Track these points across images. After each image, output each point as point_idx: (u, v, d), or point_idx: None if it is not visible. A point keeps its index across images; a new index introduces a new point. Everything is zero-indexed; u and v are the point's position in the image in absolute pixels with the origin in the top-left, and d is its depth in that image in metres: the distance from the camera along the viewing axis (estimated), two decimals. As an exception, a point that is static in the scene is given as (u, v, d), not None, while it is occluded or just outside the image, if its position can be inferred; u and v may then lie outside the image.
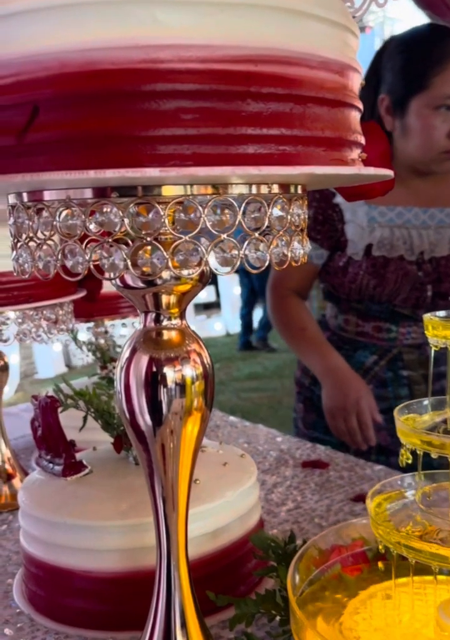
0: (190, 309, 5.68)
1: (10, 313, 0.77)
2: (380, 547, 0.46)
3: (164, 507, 0.45)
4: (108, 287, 1.08)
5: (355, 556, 0.54)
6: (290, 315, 1.25)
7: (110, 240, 0.34)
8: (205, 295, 5.89)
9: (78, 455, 0.69)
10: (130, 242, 0.35)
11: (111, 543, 0.59)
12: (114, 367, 0.91)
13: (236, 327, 5.80)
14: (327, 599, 0.50)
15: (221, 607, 0.57)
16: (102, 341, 1.14)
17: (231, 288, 5.83)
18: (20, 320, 0.77)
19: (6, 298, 0.74)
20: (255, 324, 5.30)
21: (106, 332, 1.17)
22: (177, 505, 0.45)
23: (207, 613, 0.59)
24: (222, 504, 0.62)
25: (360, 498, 0.82)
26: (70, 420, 0.76)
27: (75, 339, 1.01)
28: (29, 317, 0.78)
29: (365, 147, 0.42)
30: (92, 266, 0.35)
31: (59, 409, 0.70)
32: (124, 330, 1.19)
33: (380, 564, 0.50)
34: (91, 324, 1.17)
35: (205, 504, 0.61)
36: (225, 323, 5.85)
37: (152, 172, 0.30)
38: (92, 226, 0.34)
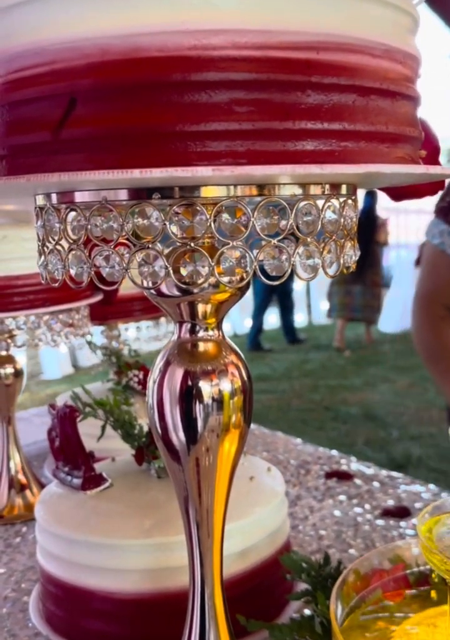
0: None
1: (25, 317, 0.74)
2: (433, 576, 0.43)
3: (198, 532, 0.42)
4: (122, 290, 1.06)
5: (396, 580, 0.50)
6: (446, 343, 1.05)
7: (150, 245, 0.31)
8: (212, 295, 5.85)
9: (97, 467, 0.66)
10: (163, 248, 0.32)
11: (134, 563, 0.56)
12: (134, 375, 0.88)
13: (243, 328, 5.77)
14: (369, 628, 0.46)
15: (251, 631, 0.54)
16: (115, 344, 1.11)
17: (238, 288, 5.79)
18: (35, 325, 0.74)
19: (21, 302, 0.71)
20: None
21: (119, 335, 1.14)
22: (212, 530, 0.42)
23: (236, 636, 0.56)
24: (251, 521, 0.59)
25: (389, 513, 0.79)
26: (87, 427, 0.73)
27: (89, 343, 0.98)
28: (44, 322, 0.75)
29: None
30: (129, 274, 0.32)
31: (78, 419, 0.67)
32: (136, 333, 1.17)
33: (433, 593, 0.47)
34: (104, 328, 1.14)
35: (233, 521, 0.58)
36: (232, 324, 5.82)
37: (203, 171, 0.27)
38: (130, 231, 0.31)
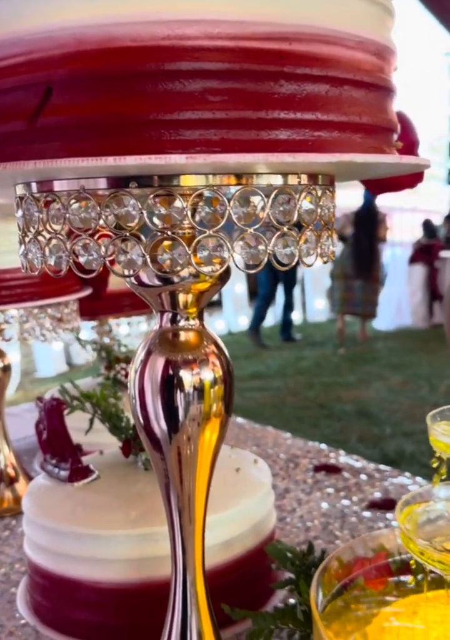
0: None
1: (14, 311, 0.75)
2: (408, 560, 0.43)
3: (180, 519, 0.42)
4: (113, 285, 1.06)
5: (378, 569, 0.51)
6: None
7: (127, 234, 0.32)
8: (207, 293, 5.85)
9: (85, 460, 0.67)
10: (142, 236, 0.33)
11: (120, 553, 0.56)
12: (122, 368, 0.89)
13: (238, 326, 5.77)
14: (351, 615, 0.47)
15: (235, 620, 0.55)
16: (106, 340, 1.11)
17: (233, 286, 5.80)
18: (24, 319, 0.74)
19: (9, 296, 0.71)
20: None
21: (110, 330, 1.15)
22: (193, 517, 0.43)
23: (220, 626, 0.57)
24: (236, 512, 0.60)
25: (375, 505, 0.79)
26: (75, 421, 0.73)
27: (79, 338, 0.99)
28: (33, 316, 0.75)
29: (394, 137, 0.40)
30: (107, 263, 0.33)
31: (65, 411, 0.67)
32: (128, 329, 1.17)
33: (411, 579, 0.47)
34: (94, 323, 1.14)
35: (218, 512, 0.58)
36: (227, 321, 5.82)
37: (177, 159, 0.27)
38: (108, 220, 0.32)
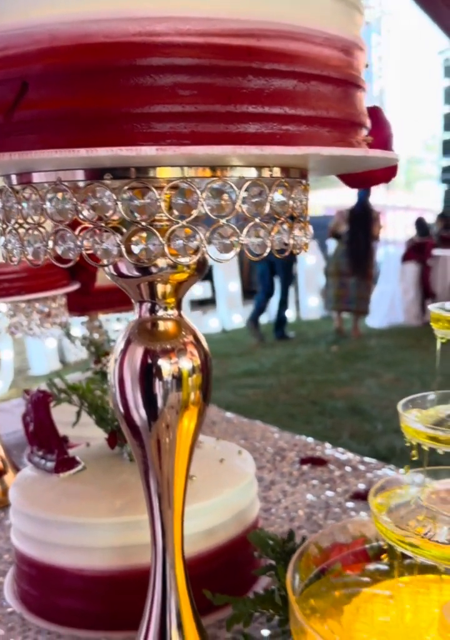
0: (185, 305, 5.66)
1: (1, 305, 0.76)
2: (383, 545, 0.45)
3: (160, 504, 0.44)
4: (102, 281, 1.07)
5: (356, 554, 0.52)
6: None
7: (103, 224, 0.33)
8: (201, 291, 5.87)
9: (71, 452, 0.68)
10: (124, 230, 0.34)
11: (105, 541, 0.57)
12: (108, 361, 0.89)
13: (232, 323, 5.78)
14: (327, 599, 0.48)
15: (218, 606, 0.56)
16: (96, 336, 1.12)
17: (227, 284, 5.82)
18: (11, 313, 0.75)
19: (-2, 290, 0.72)
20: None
21: (100, 326, 1.16)
22: (172, 502, 0.44)
23: (203, 612, 0.58)
24: (219, 501, 0.61)
25: (359, 496, 0.81)
26: (63, 415, 0.74)
27: (68, 333, 0.99)
28: (20, 310, 0.76)
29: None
30: (85, 253, 0.33)
31: (52, 404, 0.68)
32: (118, 324, 1.18)
33: (384, 556, 0.48)
34: (85, 319, 1.15)
35: (201, 501, 0.59)
36: (220, 319, 5.83)
37: (147, 151, 0.28)
38: (85, 211, 0.33)
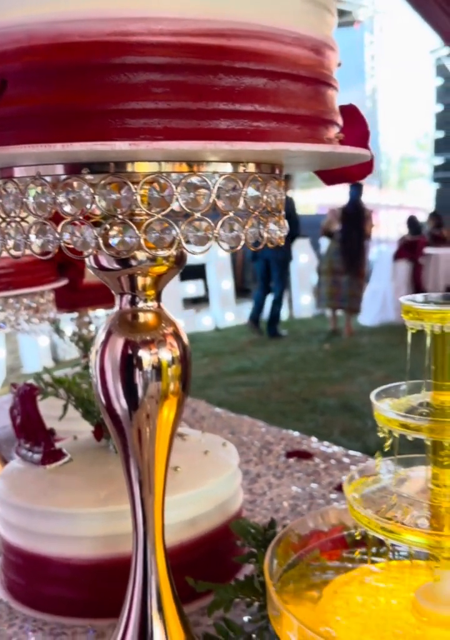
0: (178, 304, 5.69)
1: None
2: (357, 533, 0.46)
3: (141, 491, 0.45)
4: (91, 277, 1.08)
5: (334, 541, 0.54)
6: None
7: (81, 217, 0.34)
8: (194, 289, 5.88)
9: (58, 444, 0.69)
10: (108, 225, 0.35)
11: (89, 530, 0.58)
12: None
13: (224, 322, 5.80)
14: (305, 584, 0.49)
15: (201, 594, 0.57)
16: (85, 331, 1.13)
17: (220, 283, 5.83)
18: (0, 308, 0.76)
19: (-15, 285, 0.73)
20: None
21: (90, 322, 1.17)
22: (153, 488, 0.45)
23: (186, 600, 0.59)
24: (202, 491, 0.62)
25: (342, 488, 0.82)
26: (52, 410, 0.75)
27: (57, 329, 1.00)
28: (9, 305, 0.77)
29: (344, 129, 0.42)
30: (63, 245, 0.35)
31: (39, 397, 0.69)
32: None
33: (357, 533, 0.50)
34: (75, 315, 1.16)
35: (185, 491, 0.61)
36: (214, 317, 5.84)
37: (121, 146, 0.29)
38: (66, 207, 0.34)
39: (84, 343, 1.01)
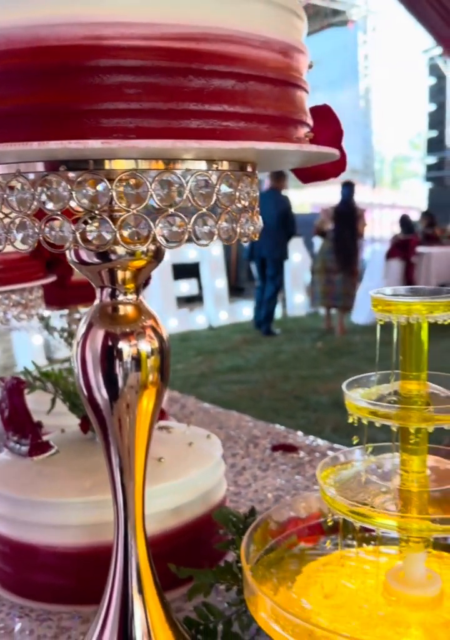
0: (172, 302, 5.70)
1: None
2: (329, 519, 0.48)
3: (121, 477, 0.46)
4: (79, 275, 1.09)
5: (311, 528, 0.55)
6: None
7: (59, 213, 0.35)
8: (188, 288, 5.89)
9: (46, 437, 0.70)
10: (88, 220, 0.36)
11: (75, 519, 0.60)
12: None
13: (218, 320, 5.82)
14: (281, 569, 0.51)
15: (184, 581, 0.59)
16: (75, 328, 1.14)
17: (214, 281, 5.84)
18: (-12, 304, 0.77)
19: (-26, 281, 0.75)
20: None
21: (80, 319, 1.18)
22: (133, 474, 0.46)
23: (170, 587, 0.61)
24: (185, 481, 0.64)
25: (326, 478, 0.84)
26: (41, 405, 0.77)
27: (47, 326, 1.02)
28: (-3, 301, 0.79)
29: (317, 128, 0.44)
30: (42, 239, 0.36)
31: (26, 391, 0.71)
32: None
33: (329, 520, 0.51)
34: (65, 312, 1.17)
35: (168, 481, 0.62)
36: (207, 316, 5.86)
37: (94, 144, 0.31)
38: (48, 204, 0.35)
39: (72, 338, 1.02)
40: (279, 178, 4.91)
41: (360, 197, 5.79)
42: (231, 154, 0.37)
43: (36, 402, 0.81)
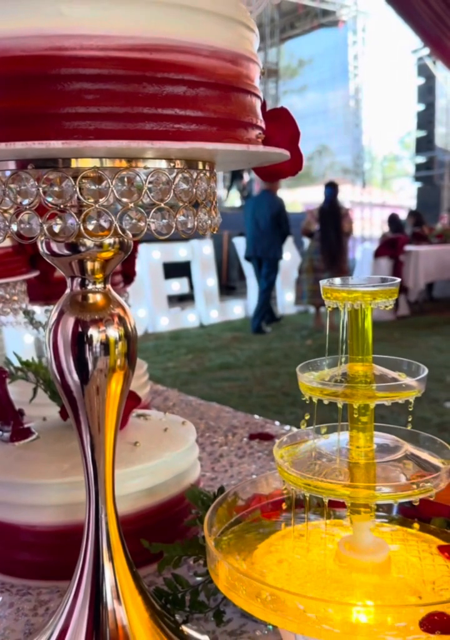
0: (163, 301, 5.73)
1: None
2: (284, 489, 0.51)
3: (92, 454, 0.50)
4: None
5: (274, 504, 0.59)
6: None
7: (27, 207, 0.39)
8: (179, 287, 5.92)
9: (27, 424, 0.74)
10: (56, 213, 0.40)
11: (53, 499, 0.63)
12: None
13: (209, 319, 5.85)
14: (244, 541, 0.55)
15: (157, 557, 0.62)
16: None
17: (205, 280, 5.88)
18: (-27, 298, 0.80)
19: (-42, 276, 0.78)
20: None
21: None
22: (104, 450, 0.50)
23: (143, 563, 0.65)
24: (159, 463, 0.67)
25: (298, 464, 0.87)
26: (23, 397, 0.80)
27: (31, 320, 1.05)
28: (-19, 296, 0.82)
29: (274, 131, 0.47)
30: (12, 231, 0.40)
31: (8, 380, 0.74)
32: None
33: (284, 489, 0.55)
34: (50, 308, 1.21)
35: (143, 463, 0.66)
36: (198, 314, 5.90)
37: (55, 144, 0.34)
38: (19, 199, 0.39)
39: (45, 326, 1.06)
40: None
41: (351, 196, 5.84)
42: (185, 154, 0.41)
43: (20, 393, 0.84)
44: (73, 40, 0.35)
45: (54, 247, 0.46)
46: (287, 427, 1.04)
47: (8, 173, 0.39)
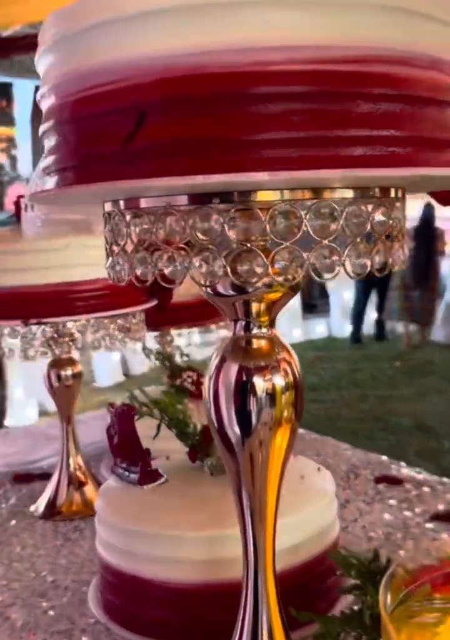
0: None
1: (85, 321, 0.78)
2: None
3: (252, 520, 0.44)
4: (175, 297, 1.09)
5: (445, 576, 0.51)
6: None
7: (209, 246, 0.34)
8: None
9: (154, 465, 0.69)
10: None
11: (189, 554, 0.58)
12: (188, 376, 0.91)
13: (292, 338, 5.76)
14: (417, 621, 0.47)
15: (301, 624, 0.56)
16: (169, 350, 1.14)
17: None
18: (95, 328, 0.78)
19: (84, 307, 0.75)
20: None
21: (172, 340, 1.18)
22: (265, 517, 0.44)
23: (286, 630, 0.58)
24: (301, 518, 0.61)
25: (438, 517, 0.79)
26: (142, 429, 0.76)
27: (144, 348, 1.02)
28: (103, 326, 0.79)
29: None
30: (190, 273, 0.35)
31: (136, 417, 0.70)
32: (188, 339, 1.20)
33: None
34: (156, 334, 1.18)
35: (284, 518, 0.59)
36: (281, 334, 5.81)
37: (260, 177, 0.29)
38: (200, 234, 0.34)
39: (170, 361, 1.02)
40: None
41: (442, 213, 5.69)
42: (390, 181, 0.34)
43: (138, 425, 0.80)
44: (280, 53, 0.30)
45: (220, 287, 0.41)
46: (417, 470, 0.96)
47: (182, 207, 0.35)
